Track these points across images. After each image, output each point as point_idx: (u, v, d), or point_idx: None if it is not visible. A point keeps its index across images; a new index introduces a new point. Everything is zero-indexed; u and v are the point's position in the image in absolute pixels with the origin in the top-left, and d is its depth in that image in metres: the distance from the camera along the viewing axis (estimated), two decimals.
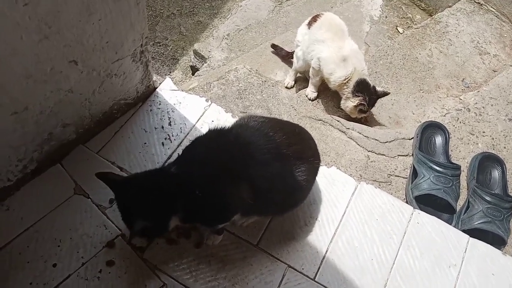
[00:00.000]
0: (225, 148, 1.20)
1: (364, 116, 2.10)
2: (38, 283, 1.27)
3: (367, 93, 2.02)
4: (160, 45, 3.12)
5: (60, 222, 1.37)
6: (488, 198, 1.65)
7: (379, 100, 2.22)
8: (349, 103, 2.08)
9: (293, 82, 2.40)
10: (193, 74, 3.02)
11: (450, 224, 1.62)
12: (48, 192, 1.42)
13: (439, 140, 1.86)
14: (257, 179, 1.18)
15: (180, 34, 3.24)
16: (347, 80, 2.06)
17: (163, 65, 3.05)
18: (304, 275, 1.36)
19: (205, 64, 2.87)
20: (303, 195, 1.37)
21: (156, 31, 3.15)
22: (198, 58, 2.98)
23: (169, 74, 2.98)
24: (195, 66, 2.99)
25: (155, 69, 2.89)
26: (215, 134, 1.25)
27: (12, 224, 1.35)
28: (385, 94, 2.06)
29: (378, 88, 2.06)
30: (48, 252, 1.32)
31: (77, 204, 1.41)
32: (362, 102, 2.01)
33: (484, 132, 1.96)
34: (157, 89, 1.67)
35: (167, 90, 1.68)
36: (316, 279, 1.35)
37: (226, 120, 1.64)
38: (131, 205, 1.17)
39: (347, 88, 2.06)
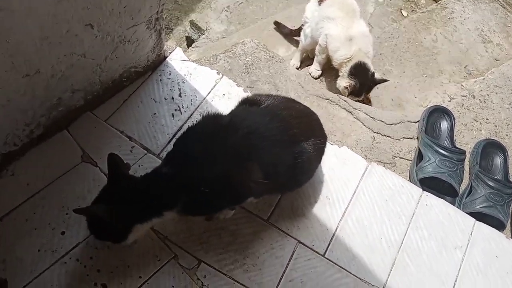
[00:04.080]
0: (225, 135, 1.13)
1: (358, 100, 2.10)
2: (46, 250, 1.24)
3: (362, 78, 2.05)
4: None
5: (67, 190, 1.34)
6: (491, 184, 1.68)
7: (381, 83, 2.23)
8: (342, 82, 2.12)
9: (299, 63, 2.37)
10: (188, 45, 2.96)
11: None
12: (54, 158, 1.37)
13: (444, 125, 1.87)
14: (264, 164, 1.13)
15: (176, 3, 3.15)
16: (348, 60, 2.07)
17: None
18: (314, 251, 1.36)
19: (203, 36, 2.82)
20: (309, 175, 1.35)
21: None
22: (194, 29, 2.92)
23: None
24: (191, 37, 2.93)
25: None
26: (212, 122, 1.18)
27: (17, 190, 1.31)
28: (383, 81, 2.09)
29: (377, 75, 2.07)
30: (56, 219, 1.29)
31: (85, 172, 1.37)
32: (349, 86, 2.05)
33: (487, 119, 1.99)
34: (167, 59, 1.62)
35: (177, 60, 1.64)
36: (326, 256, 1.36)
37: (237, 94, 1.61)
38: (109, 194, 1.14)
39: (345, 67, 2.08)
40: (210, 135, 1.15)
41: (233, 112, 1.26)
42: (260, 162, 1.13)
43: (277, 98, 1.33)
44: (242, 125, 1.15)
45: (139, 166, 1.40)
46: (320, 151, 1.34)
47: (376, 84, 2.09)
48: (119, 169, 1.16)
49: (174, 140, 1.42)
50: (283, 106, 1.30)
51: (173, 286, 1.25)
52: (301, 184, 1.38)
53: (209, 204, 1.14)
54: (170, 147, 1.44)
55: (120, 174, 1.15)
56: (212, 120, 1.19)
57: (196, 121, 1.21)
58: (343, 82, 2.11)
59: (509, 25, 2.60)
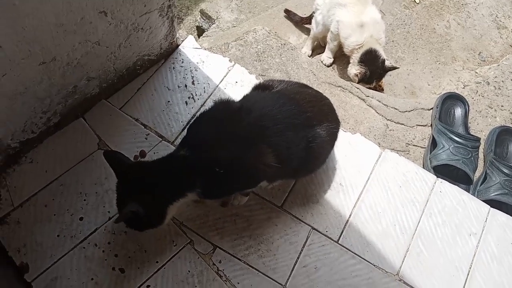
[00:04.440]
0: (240, 119, 1.14)
1: (370, 87, 2.08)
2: (66, 236, 1.27)
3: (372, 65, 2.04)
4: None
5: (84, 177, 1.36)
6: (506, 171, 1.66)
7: (395, 70, 2.21)
8: (352, 69, 2.11)
9: (311, 51, 2.36)
10: (199, 35, 2.96)
11: None
12: (71, 146, 1.40)
13: (458, 112, 1.85)
14: (275, 147, 1.13)
15: None
16: (359, 46, 2.06)
17: None
18: (328, 237, 1.37)
19: (213, 25, 2.81)
20: (322, 159, 1.35)
21: None
22: (205, 18, 2.91)
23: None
24: (202, 26, 2.93)
25: None
26: (225, 106, 1.18)
27: (36, 177, 1.34)
28: (393, 68, 2.07)
29: (388, 62, 2.05)
30: (74, 205, 1.31)
31: (102, 159, 1.36)
32: (359, 74, 2.04)
33: (502, 106, 1.96)
34: (179, 47, 1.63)
35: (190, 48, 1.64)
36: (339, 242, 1.37)
37: (250, 81, 1.61)
38: (129, 187, 1.13)
39: (356, 54, 2.07)
40: (223, 118, 1.16)
41: (245, 97, 1.26)
42: (273, 144, 1.13)
43: (289, 83, 1.33)
44: (255, 107, 1.16)
45: (154, 153, 1.41)
46: (333, 136, 1.34)
47: (387, 72, 2.08)
48: (122, 161, 1.16)
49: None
50: (295, 90, 1.30)
51: (189, 271, 1.27)
52: (314, 170, 1.38)
53: (224, 186, 1.15)
54: (184, 134, 1.44)
55: (127, 165, 1.15)
56: (225, 105, 1.19)
57: (209, 107, 1.22)
58: (353, 69, 2.10)
59: None
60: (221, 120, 1.16)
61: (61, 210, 1.30)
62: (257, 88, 1.32)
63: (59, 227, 1.27)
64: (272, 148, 1.13)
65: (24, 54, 1.10)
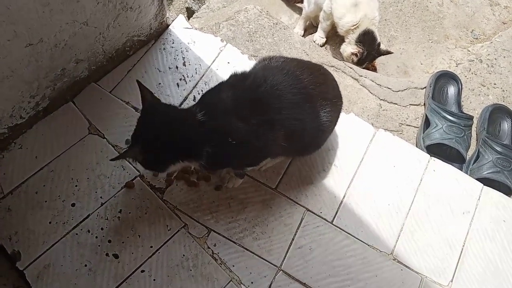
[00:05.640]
0: (254, 92, 1.13)
1: (363, 66, 2.07)
2: (58, 222, 1.25)
3: (369, 47, 2.02)
4: None
5: (75, 162, 1.34)
6: (498, 149, 1.67)
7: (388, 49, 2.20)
8: (348, 48, 2.08)
9: (303, 31, 2.33)
10: (189, 16, 2.90)
11: None
12: (61, 131, 1.37)
13: (451, 90, 1.85)
14: (289, 121, 1.14)
15: None
16: (354, 26, 2.03)
17: None
18: (322, 218, 1.37)
19: (203, 6, 2.75)
20: (327, 135, 1.36)
21: None
22: None
23: None
24: (191, 8, 2.87)
25: None
26: (240, 78, 1.17)
27: (26, 163, 1.31)
28: (387, 53, 2.06)
29: (382, 46, 2.04)
30: (66, 191, 1.29)
31: (93, 144, 1.37)
32: (357, 53, 2.03)
33: (495, 84, 1.96)
34: (170, 27, 1.59)
35: (180, 28, 1.60)
36: (334, 223, 1.37)
37: (242, 62, 1.58)
38: (145, 127, 1.11)
39: (353, 34, 2.04)
40: (240, 89, 1.14)
41: (257, 67, 1.25)
42: (289, 118, 1.14)
43: (294, 59, 1.33)
44: (270, 77, 1.15)
45: None
46: (339, 112, 1.34)
47: (380, 55, 2.06)
48: (151, 96, 1.14)
49: None
50: (306, 64, 1.30)
51: (183, 255, 1.26)
52: (320, 145, 1.38)
53: (229, 158, 1.15)
54: None
55: (155, 104, 1.14)
56: (241, 76, 1.18)
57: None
58: (350, 48, 2.07)
59: None
60: (239, 91, 1.14)
61: (53, 196, 1.28)
62: (264, 60, 1.29)
63: (51, 214, 1.26)
64: (287, 124, 1.13)
65: (10, 35, 1.07)
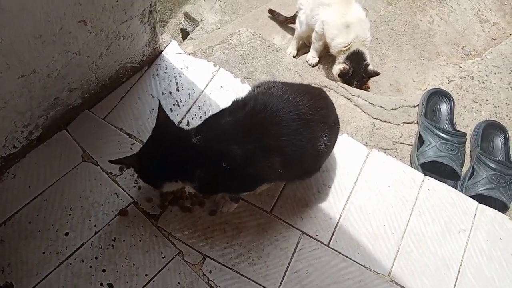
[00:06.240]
0: (253, 118, 1.14)
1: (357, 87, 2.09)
2: (51, 252, 1.24)
3: (355, 65, 2.05)
4: None
5: (69, 190, 1.33)
6: (492, 165, 1.67)
7: (380, 67, 2.22)
8: (337, 66, 2.12)
9: (296, 51, 2.35)
10: (183, 37, 2.93)
11: None
12: (55, 159, 1.37)
13: (444, 107, 1.86)
14: (287, 148, 1.14)
15: None
16: (346, 48, 2.06)
17: None
18: (319, 241, 1.36)
19: (197, 28, 2.79)
20: (326, 158, 1.36)
21: None
22: (189, 21, 2.88)
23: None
24: (186, 29, 2.90)
25: None
26: (241, 105, 1.18)
27: (20, 193, 1.30)
28: (375, 74, 2.08)
29: (370, 67, 2.07)
30: (59, 221, 1.29)
31: (86, 172, 1.36)
32: (343, 71, 2.05)
33: (487, 100, 1.98)
34: (163, 53, 1.60)
35: (173, 53, 1.62)
36: (330, 245, 1.36)
37: (235, 86, 1.60)
38: (148, 144, 1.19)
39: (343, 54, 2.07)
40: (239, 115, 1.15)
41: (256, 91, 1.25)
42: (288, 143, 1.14)
43: (294, 84, 1.36)
44: (269, 102, 1.15)
45: None
46: (337, 134, 1.35)
47: (368, 76, 2.08)
48: (165, 118, 1.18)
49: None
50: (304, 89, 1.30)
51: (179, 283, 1.25)
52: (319, 168, 1.38)
53: (222, 183, 1.16)
54: None
55: (164, 125, 1.17)
56: (242, 102, 1.19)
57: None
58: (338, 66, 2.10)
59: (505, 3, 2.58)
60: (238, 117, 1.15)
61: (46, 226, 1.27)
62: (264, 84, 1.29)
63: (44, 244, 1.24)
64: (285, 151, 1.14)
65: (2, 68, 1.07)
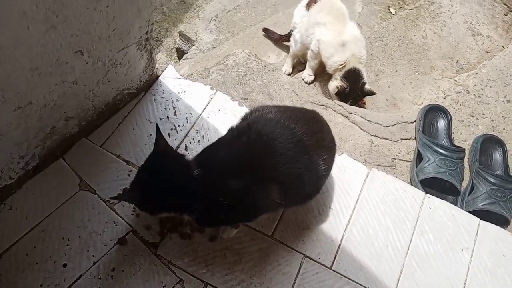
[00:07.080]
0: (249, 150, 1.12)
1: (352, 103, 2.09)
2: (49, 285, 1.22)
3: (352, 84, 2.05)
4: None
5: (67, 220, 1.31)
6: (492, 180, 1.67)
7: (376, 83, 2.23)
8: (334, 83, 2.12)
9: (291, 69, 2.36)
10: (179, 57, 2.94)
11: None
12: (52, 189, 1.35)
13: (441, 123, 1.86)
14: (286, 177, 1.13)
15: (163, 14, 3.14)
16: (342, 66, 2.06)
17: None
18: (321, 264, 1.35)
19: (193, 47, 2.80)
20: (325, 179, 1.35)
21: None
22: (184, 40, 2.89)
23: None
24: (181, 48, 2.91)
25: None
26: (236, 135, 1.17)
27: (16, 224, 1.29)
28: (371, 93, 2.08)
29: (367, 86, 2.07)
30: (57, 252, 1.27)
31: (84, 201, 1.35)
32: (340, 88, 2.06)
33: (483, 114, 1.98)
34: (159, 78, 1.60)
35: (170, 78, 1.62)
36: (333, 268, 1.35)
37: (233, 108, 1.59)
38: (144, 172, 1.15)
39: (340, 72, 2.08)
40: (234, 148, 1.14)
41: (249, 117, 1.24)
42: (285, 173, 1.12)
43: (288, 108, 1.33)
44: (265, 131, 1.14)
45: None
46: (334, 154, 1.34)
47: (364, 95, 2.09)
48: (163, 146, 1.15)
49: None
50: (300, 113, 1.29)
51: None
52: (319, 190, 1.36)
53: (221, 216, 1.14)
54: None
55: (162, 155, 1.14)
56: (237, 133, 1.18)
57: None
58: (335, 82, 2.11)
59: (497, 16, 2.60)
60: (234, 149, 1.14)
61: (44, 257, 1.25)
62: (258, 110, 1.27)
63: (42, 276, 1.22)
64: (283, 180, 1.12)
65: None
